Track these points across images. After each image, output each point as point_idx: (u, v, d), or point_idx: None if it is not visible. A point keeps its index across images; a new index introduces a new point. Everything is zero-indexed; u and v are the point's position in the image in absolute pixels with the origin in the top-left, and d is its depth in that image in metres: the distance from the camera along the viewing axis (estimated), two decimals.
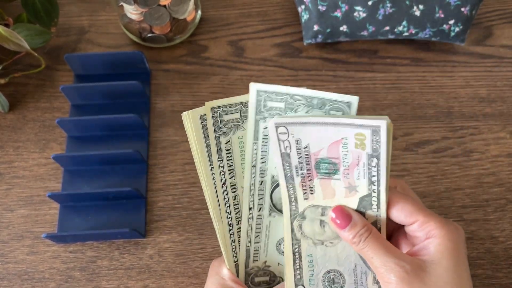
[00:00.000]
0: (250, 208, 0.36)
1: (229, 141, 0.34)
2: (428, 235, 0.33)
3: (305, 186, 0.33)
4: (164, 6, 0.54)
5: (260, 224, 0.37)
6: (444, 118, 0.56)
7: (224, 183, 0.35)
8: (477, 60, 0.59)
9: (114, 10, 0.61)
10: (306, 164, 0.32)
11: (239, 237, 0.37)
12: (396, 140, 0.54)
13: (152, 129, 0.55)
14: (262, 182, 0.36)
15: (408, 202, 0.33)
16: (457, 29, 0.56)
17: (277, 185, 0.36)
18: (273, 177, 0.36)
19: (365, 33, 0.56)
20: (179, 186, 0.52)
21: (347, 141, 0.31)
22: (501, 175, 0.53)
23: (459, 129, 0.55)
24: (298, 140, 0.31)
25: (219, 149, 0.34)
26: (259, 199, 0.36)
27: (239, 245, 0.37)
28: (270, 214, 0.37)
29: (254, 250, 0.38)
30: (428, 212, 0.33)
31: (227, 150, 0.35)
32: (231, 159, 0.35)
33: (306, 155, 0.32)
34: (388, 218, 0.34)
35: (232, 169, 0.35)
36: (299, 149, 0.31)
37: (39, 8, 0.56)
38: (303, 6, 0.57)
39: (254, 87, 0.33)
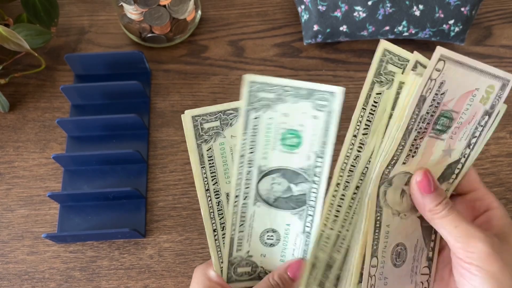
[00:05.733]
0: (236, 196, 0.37)
1: (210, 148, 0.35)
2: (489, 206, 0.33)
3: (413, 145, 0.33)
4: (164, 6, 0.54)
5: (245, 212, 0.37)
6: None
7: (207, 190, 0.36)
8: (477, 60, 0.59)
9: (114, 10, 0.61)
10: (431, 115, 0.33)
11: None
12: None
13: (152, 129, 0.55)
14: (249, 172, 0.36)
15: (472, 169, 0.34)
16: (457, 29, 0.56)
17: (264, 176, 0.36)
18: (259, 167, 0.36)
19: (365, 33, 0.56)
20: (179, 186, 0.52)
21: (477, 92, 0.34)
22: (501, 175, 0.53)
23: None
24: (442, 83, 0.32)
25: (201, 156, 0.35)
26: (246, 188, 0.37)
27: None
28: (255, 203, 0.37)
29: (238, 239, 0.38)
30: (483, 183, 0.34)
31: (209, 157, 0.36)
32: (214, 166, 0.36)
33: (438, 103, 0.33)
34: None
35: (215, 175, 0.36)
36: (437, 94, 0.33)
37: (39, 8, 0.56)
38: (303, 6, 0.57)
39: (247, 78, 0.33)
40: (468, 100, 0.34)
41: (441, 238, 0.37)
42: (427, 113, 0.33)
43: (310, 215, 0.37)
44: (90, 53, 0.59)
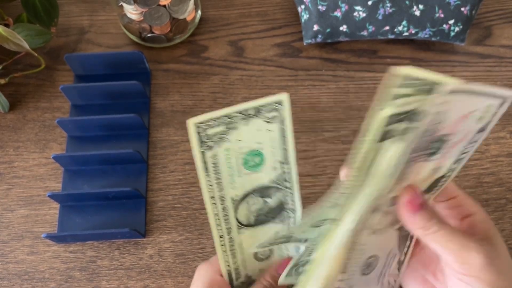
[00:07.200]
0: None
1: (215, 154, 0.34)
2: (470, 211, 0.33)
3: (402, 174, 0.31)
4: (164, 6, 0.54)
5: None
6: None
7: (212, 197, 0.36)
8: (477, 60, 0.59)
9: (114, 10, 0.61)
10: (429, 141, 0.31)
11: (231, 246, 0.38)
12: None
13: (152, 129, 0.55)
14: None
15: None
16: (457, 29, 0.56)
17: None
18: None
19: (365, 33, 0.56)
20: (179, 186, 0.52)
21: (474, 114, 0.31)
22: (501, 175, 0.53)
23: None
24: (438, 113, 0.29)
25: (204, 163, 0.34)
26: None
27: (231, 255, 0.38)
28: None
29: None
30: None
31: (213, 163, 0.35)
32: (219, 173, 0.35)
33: (433, 132, 0.31)
34: None
35: (220, 181, 0.35)
36: (434, 124, 0.30)
37: (39, 8, 0.56)
38: (303, 6, 0.57)
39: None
40: (463, 122, 0.31)
41: (416, 241, 0.37)
42: (420, 144, 0.30)
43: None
44: (90, 53, 0.59)
